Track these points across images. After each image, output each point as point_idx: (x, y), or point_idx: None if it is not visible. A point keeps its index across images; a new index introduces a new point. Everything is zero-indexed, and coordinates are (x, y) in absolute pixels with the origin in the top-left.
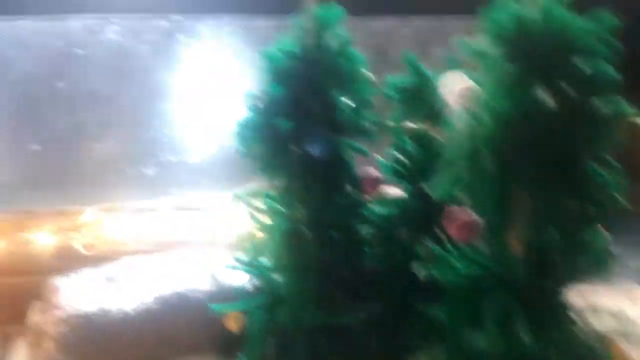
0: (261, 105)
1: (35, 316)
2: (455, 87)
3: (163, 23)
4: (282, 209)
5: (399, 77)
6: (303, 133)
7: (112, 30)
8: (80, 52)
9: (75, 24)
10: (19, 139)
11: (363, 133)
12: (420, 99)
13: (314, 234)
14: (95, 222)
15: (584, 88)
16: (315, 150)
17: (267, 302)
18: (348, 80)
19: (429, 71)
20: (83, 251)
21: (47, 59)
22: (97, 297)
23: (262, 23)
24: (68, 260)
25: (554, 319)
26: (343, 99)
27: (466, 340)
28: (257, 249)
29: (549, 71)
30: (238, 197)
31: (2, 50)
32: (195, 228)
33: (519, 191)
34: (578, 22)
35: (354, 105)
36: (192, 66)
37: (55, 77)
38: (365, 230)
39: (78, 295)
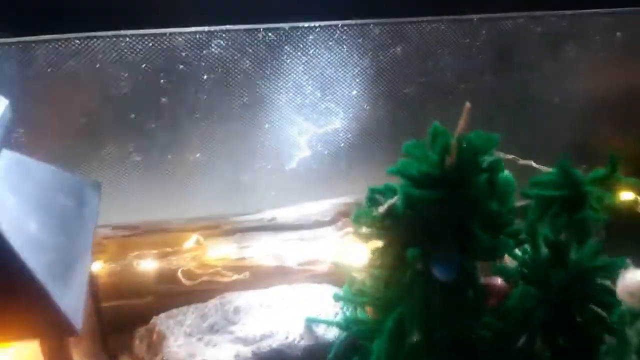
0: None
1: (139, 347)
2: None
3: (270, 35)
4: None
5: (547, 178)
6: (431, 257)
7: (217, 43)
8: (184, 67)
9: (179, 38)
10: (123, 151)
11: (494, 254)
12: (566, 207)
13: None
14: (199, 249)
15: None
16: (442, 274)
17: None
18: (493, 206)
19: (583, 177)
20: (184, 281)
21: (150, 75)
22: (196, 351)
23: (375, 28)
24: (169, 287)
25: None
26: (480, 229)
27: None
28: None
29: None
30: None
31: (104, 66)
32: (298, 255)
33: None
34: None
35: (492, 231)
36: (298, 77)
37: (158, 93)
38: (482, 339)
39: (179, 346)
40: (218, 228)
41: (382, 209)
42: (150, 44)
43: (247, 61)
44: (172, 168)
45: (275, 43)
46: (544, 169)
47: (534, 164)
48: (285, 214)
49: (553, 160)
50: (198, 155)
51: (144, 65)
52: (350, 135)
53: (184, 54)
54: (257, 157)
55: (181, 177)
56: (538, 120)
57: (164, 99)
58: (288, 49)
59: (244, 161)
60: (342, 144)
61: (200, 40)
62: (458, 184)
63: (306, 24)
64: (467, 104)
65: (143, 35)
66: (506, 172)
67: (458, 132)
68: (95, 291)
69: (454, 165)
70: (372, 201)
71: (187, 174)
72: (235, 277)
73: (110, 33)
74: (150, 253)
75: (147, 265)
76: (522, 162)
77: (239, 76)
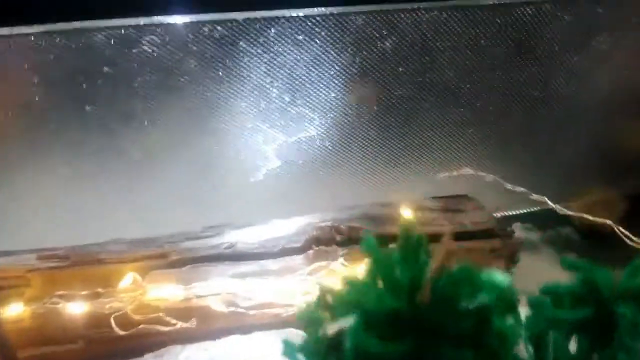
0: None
1: None
2: None
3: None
4: None
5: (563, 288)
6: None
7: (149, 40)
8: (109, 69)
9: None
10: (48, 162)
11: None
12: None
13: None
14: (137, 289)
15: None
16: None
17: None
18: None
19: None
20: (117, 330)
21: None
22: None
23: (357, 18)
24: (102, 332)
25: None
26: None
27: None
28: None
29: None
30: None
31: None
32: (257, 296)
33: None
34: None
35: None
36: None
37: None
38: None
39: None
40: (164, 258)
41: (329, 330)
42: (64, 42)
43: (192, 61)
44: (108, 182)
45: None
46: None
47: (521, 190)
48: (247, 237)
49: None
50: (142, 166)
51: (57, 68)
52: (326, 143)
53: (107, 52)
54: (216, 169)
55: (119, 192)
56: (561, 125)
57: (88, 107)
58: (244, 45)
59: (200, 173)
60: (316, 153)
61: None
62: (430, 331)
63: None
64: (446, 239)
65: (52, 32)
66: (509, 319)
67: (434, 269)
68: (5, 341)
69: (428, 303)
70: (322, 305)
71: (128, 188)
72: (180, 324)
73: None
74: (79, 294)
75: (77, 307)
76: (510, 187)
77: (181, 78)
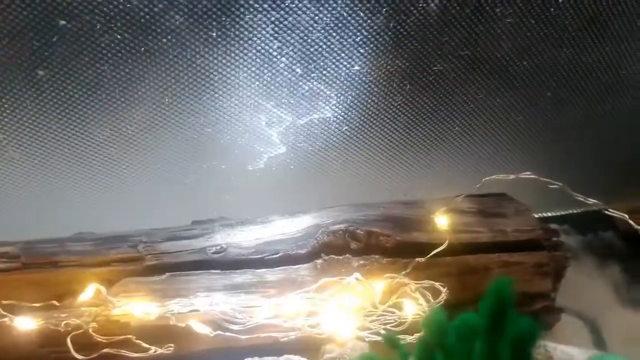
0: None
1: None
2: None
3: None
4: None
5: None
6: None
7: None
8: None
9: None
10: None
11: None
12: None
13: None
14: (100, 302)
15: None
16: None
17: None
18: None
19: None
20: (74, 352)
21: None
22: None
23: None
24: (57, 352)
25: None
26: None
27: None
28: None
29: None
30: None
31: None
32: (251, 315)
33: None
34: None
35: None
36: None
37: None
38: None
39: None
40: (137, 263)
41: None
42: None
43: (177, 17)
44: (71, 165)
45: None
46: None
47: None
48: (240, 238)
49: None
50: (114, 146)
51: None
52: (343, 126)
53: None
54: (207, 153)
55: (85, 178)
56: (626, 116)
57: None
58: None
59: (186, 157)
60: (331, 139)
61: None
62: None
63: None
64: None
65: None
66: None
67: None
68: None
69: None
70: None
71: (96, 173)
72: (154, 350)
73: None
74: (29, 306)
75: (26, 322)
76: (582, 198)
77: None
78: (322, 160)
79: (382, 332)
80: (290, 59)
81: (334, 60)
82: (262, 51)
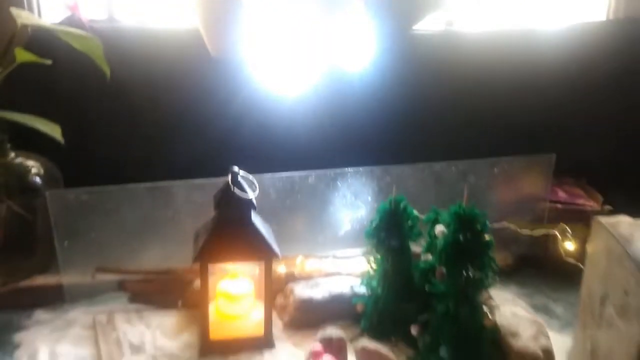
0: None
1: (286, 295)
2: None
3: None
4: (382, 265)
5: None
6: (391, 238)
7: None
8: None
9: None
10: None
11: (416, 237)
12: None
13: (394, 275)
14: (302, 263)
15: None
16: (396, 245)
17: (373, 299)
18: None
19: None
20: (297, 275)
21: None
22: (308, 293)
23: None
24: (292, 278)
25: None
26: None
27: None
28: (370, 279)
29: None
30: (364, 256)
31: None
32: (343, 265)
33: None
34: None
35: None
36: None
37: None
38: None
39: (300, 291)
40: (309, 257)
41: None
42: None
43: None
44: None
45: None
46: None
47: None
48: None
49: None
50: None
51: None
52: None
53: None
54: None
55: None
56: None
57: None
58: None
59: None
60: None
61: None
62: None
63: None
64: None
65: None
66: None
67: None
68: None
69: None
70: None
71: None
72: (318, 275)
73: None
74: (281, 265)
75: (281, 270)
76: None
77: None
78: None
79: None
80: None
81: None
82: None
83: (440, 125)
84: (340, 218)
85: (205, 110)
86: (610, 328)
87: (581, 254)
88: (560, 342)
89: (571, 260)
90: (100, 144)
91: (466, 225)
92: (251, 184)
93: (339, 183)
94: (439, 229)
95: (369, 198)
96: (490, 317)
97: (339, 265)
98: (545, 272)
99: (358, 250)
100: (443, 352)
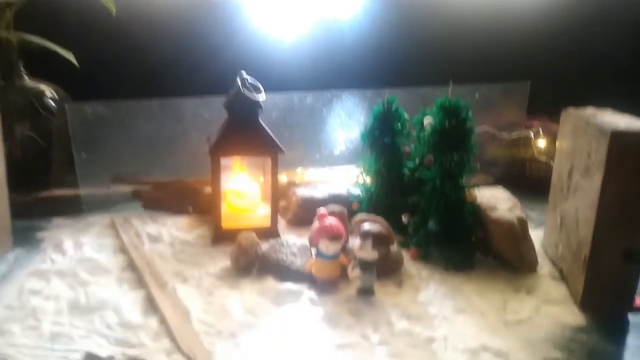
0: (369, 126)
1: (288, 197)
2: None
3: None
4: (375, 163)
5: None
6: (384, 136)
7: None
8: None
9: None
10: None
11: (406, 138)
12: None
13: (387, 172)
14: (302, 173)
15: None
16: (388, 141)
17: (368, 196)
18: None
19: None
20: (297, 182)
21: None
22: (309, 193)
23: None
24: (293, 185)
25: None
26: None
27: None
28: (366, 177)
29: None
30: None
31: None
32: (339, 175)
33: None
34: None
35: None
36: None
37: None
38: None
39: (302, 192)
40: (307, 170)
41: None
42: None
43: None
44: None
45: None
46: None
47: None
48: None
49: None
50: None
51: None
52: None
53: None
54: None
55: None
56: None
57: None
58: None
59: None
60: None
61: None
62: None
63: None
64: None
65: None
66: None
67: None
68: None
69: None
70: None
71: None
72: (316, 180)
73: None
74: (284, 175)
75: (284, 179)
76: None
77: None
78: None
79: None
80: None
81: None
82: None
83: (427, 55)
84: (335, 137)
85: (212, 42)
86: (575, 193)
87: (553, 152)
88: (535, 236)
89: (543, 158)
90: (106, 75)
91: (451, 114)
92: (257, 89)
93: (334, 104)
94: (427, 120)
95: (362, 118)
96: (471, 194)
97: (336, 174)
98: (521, 189)
99: (352, 166)
100: (431, 225)
